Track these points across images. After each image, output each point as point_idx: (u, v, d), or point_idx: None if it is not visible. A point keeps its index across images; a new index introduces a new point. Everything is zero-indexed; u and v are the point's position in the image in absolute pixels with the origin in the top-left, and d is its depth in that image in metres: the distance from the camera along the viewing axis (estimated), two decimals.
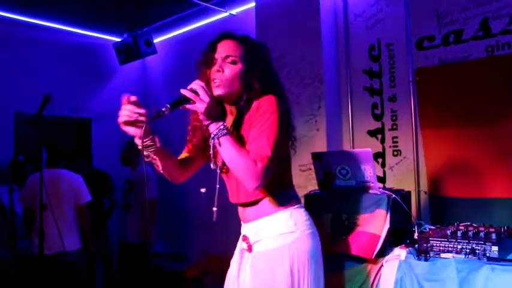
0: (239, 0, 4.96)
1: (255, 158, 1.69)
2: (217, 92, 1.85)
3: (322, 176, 2.79)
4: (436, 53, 3.57)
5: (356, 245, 2.48)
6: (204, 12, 5.27)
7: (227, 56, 1.87)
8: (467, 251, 2.10)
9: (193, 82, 1.77)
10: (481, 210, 3.11)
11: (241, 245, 2.02)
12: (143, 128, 1.76)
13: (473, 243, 2.09)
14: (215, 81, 1.86)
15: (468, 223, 2.45)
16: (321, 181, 2.82)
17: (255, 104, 1.83)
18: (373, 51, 3.97)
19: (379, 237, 2.38)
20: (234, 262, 2.05)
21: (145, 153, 1.87)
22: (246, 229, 2.00)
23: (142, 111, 1.79)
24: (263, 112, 1.77)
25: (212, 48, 1.92)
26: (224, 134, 1.73)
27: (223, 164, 1.93)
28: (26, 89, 5.08)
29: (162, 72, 6.28)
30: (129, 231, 4.70)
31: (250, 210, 1.96)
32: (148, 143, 1.85)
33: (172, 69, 6.06)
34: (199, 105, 1.71)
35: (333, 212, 2.62)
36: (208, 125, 1.76)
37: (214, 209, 1.94)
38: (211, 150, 1.85)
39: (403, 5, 3.73)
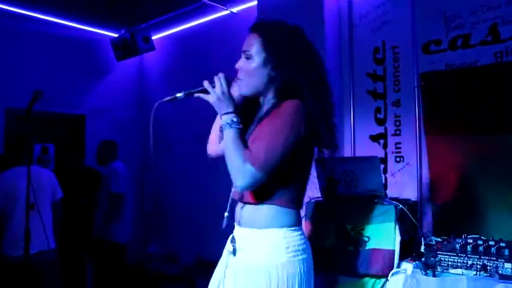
0: None
1: (249, 158, 1.65)
2: (238, 91, 1.85)
3: (326, 183, 2.70)
4: (443, 57, 3.47)
5: (373, 264, 2.37)
6: (204, 10, 5.17)
7: (244, 51, 1.83)
8: (478, 267, 2.00)
9: (218, 74, 1.78)
10: (487, 221, 3.02)
11: (227, 246, 1.93)
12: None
13: (484, 259, 2.00)
14: (237, 79, 1.86)
15: (476, 236, 2.35)
16: (324, 188, 2.72)
17: (279, 104, 1.75)
18: (378, 54, 3.87)
19: (393, 251, 2.29)
20: (220, 264, 1.96)
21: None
22: (237, 231, 1.90)
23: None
24: (278, 116, 1.70)
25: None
26: (229, 127, 1.72)
27: None
28: (18, 85, 4.93)
29: (160, 70, 6.18)
30: (95, 227, 4.87)
31: (246, 213, 1.85)
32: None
33: (170, 67, 5.97)
34: (210, 97, 1.75)
35: (336, 221, 2.53)
36: (220, 116, 1.76)
37: (226, 214, 1.91)
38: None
39: (409, 7, 3.63)
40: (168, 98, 1.78)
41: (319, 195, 2.85)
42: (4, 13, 5.09)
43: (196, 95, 1.78)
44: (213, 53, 5.12)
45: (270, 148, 1.65)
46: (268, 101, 1.85)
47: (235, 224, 1.95)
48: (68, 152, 5.54)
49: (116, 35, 5.66)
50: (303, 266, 1.76)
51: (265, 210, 1.78)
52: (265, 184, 1.71)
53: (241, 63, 1.83)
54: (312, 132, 1.75)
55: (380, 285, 2.31)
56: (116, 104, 6.12)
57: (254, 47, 1.81)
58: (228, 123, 1.72)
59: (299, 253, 1.76)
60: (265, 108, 1.85)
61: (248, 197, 1.82)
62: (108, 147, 5.05)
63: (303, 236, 1.83)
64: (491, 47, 3.25)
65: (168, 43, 5.97)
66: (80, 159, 5.58)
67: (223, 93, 1.74)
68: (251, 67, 1.80)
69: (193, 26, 5.62)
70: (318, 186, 2.85)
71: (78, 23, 5.74)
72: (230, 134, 1.72)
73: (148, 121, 1.82)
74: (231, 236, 1.92)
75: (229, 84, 1.79)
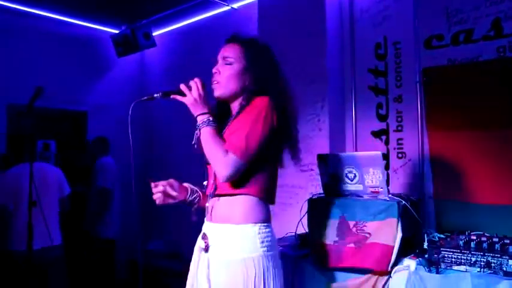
0: None
1: (229, 148, 1.79)
2: (214, 93, 1.99)
3: (328, 180, 2.68)
4: (445, 52, 3.45)
5: (370, 258, 2.36)
6: (205, 6, 5.15)
7: (224, 57, 1.99)
8: (482, 264, 1.99)
9: (194, 79, 1.90)
10: (490, 217, 3.00)
11: (198, 243, 1.99)
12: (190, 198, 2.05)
13: (488, 255, 1.99)
14: (214, 82, 1.99)
15: (480, 232, 2.33)
16: (326, 185, 2.71)
17: (250, 103, 1.91)
18: (379, 50, 3.85)
19: (392, 247, 2.27)
20: (193, 262, 2.03)
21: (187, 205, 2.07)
22: (208, 228, 1.97)
23: (174, 193, 1.99)
24: (250, 109, 1.87)
25: (220, 50, 2.04)
26: (206, 125, 1.85)
27: None
28: (19, 81, 4.94)
29: (161, 66, 6.16)
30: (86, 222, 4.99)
31: (221, 208, 1.94)
32: (193, 199, 2.07)
33: (171, 63, 5.95)
34: (187, 99, 1.86)
35: (339, 218, 2.51)
36: (195, 117, 1.89)
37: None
38: (194, 140, 1.93)
39: (411, 2, 3.60)
40: (146, 97, 1.91)
41: (321, 191, 2.85)
42: (5, 10, 5.08)
43: (173, 96, 1.90)
44: (213, 49, 5.09)
45: (249, 136, 1.80)
46: (239, 103, 1.98)
47: (205, 220, 2.02)
48: (70, 149, 5.54)
49: (117, 31, 5.66)
50: (274, 260, 1.89)
51: (241, 202, 1.90)
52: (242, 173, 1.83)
53: (220, 68, 1.97)
54: (280, 126, 1.90)
55: (383, 282, 2.31)
56: (117, 100, 6.11)
57: (235, 55, 1.98)
58: (204, 122, 1.86)
59: (271, 248, 1.88)
60: (237, 108, 1.98)
61: (223, 188, 1.91)
62: (98, 143, 5.08)
63: (272, 233, 1.95)
64: (493, 42, 3.22)
65: (169, 39, 5.96)
66: (81, 155, 5.59)
67: (199, 95, 1.86)
68: (231, 72, 1.96)
69: (194, 22, 5.61)
70: (320, 183, 2.84)
71: (79, 20, 5.74)
72: (208, 130, 1.84)
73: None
74: (202, 233, 1.98)
75: (204, 87, 1.90)
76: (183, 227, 5.57)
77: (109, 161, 4.95)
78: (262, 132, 1.82)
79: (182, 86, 1.88)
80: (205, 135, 1.84)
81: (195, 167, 2.11)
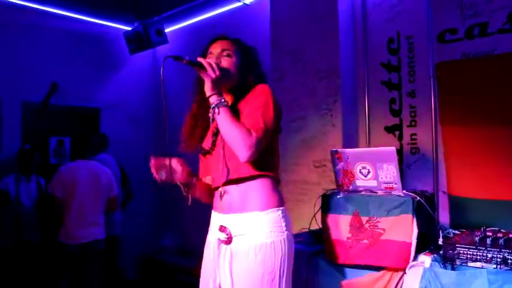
0: None
1: (251, 128, 1.84)
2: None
3: (342, 175, 2.67)
4: (459, 46, 3.41)
5: (386, 255, 2.35)
6: (218, 2, 5.15)
7: (223, 50, 2.05)
8: (499, 260, 1.97)
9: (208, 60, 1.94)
10: (506, 213, 2.97)
11: (216, 235, 2.00)
12: (186, 174, 2.00)
13: (505, 252, 1.97)
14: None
15: (496, 228, 2.32)
16: (340, 180, 2.70)
17: (251, 91, 2.02)
18: (392, 44, 3.82)
19: (410, 244, 2.26)
20: (208, 256, 2.05)
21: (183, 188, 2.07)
22: (226, 219, 1.98)
23: (179, 168, 1.99)
24: (258, 94, 1.96)
25: (208, 46, 2.12)
26: (225, 105, 1.88)
27: (213, 143, 2.05)
28: (33, 78, 4.98)
29: (173, 62, 6.15)
30: None
31: (237, 198, 1.96)
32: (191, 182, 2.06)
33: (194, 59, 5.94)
34: (211, 74, 1.88)
35: (352, 214, 2.50)
36: (210, 95, 1.90)
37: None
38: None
39: None
40: (176, 55, 1.89)
41: (334, 187, 2.84)
42: (19, 8, 5.12)
43: (197, 68, 1.91)
44: None
45: (266, 116, 1.88)
46: (239, 90, 2.07)
47: (216, 212, 2.05)
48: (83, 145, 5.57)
49: (129, 28, 5.66)
50: (292, 240, 1.99)
51: (259, 187, 1.96)
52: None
53: (222, 59, 2.03)
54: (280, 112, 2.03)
55: (397, 278, 2.29)
56: (130, 97, 6.14)
57: (233, 49, 2.07)
58: (222, 102, 1.88)
59: (290, 230, 1.99)
60: (239, 94, 2.06)
61: (238, 172, 1.94)
62: (96, 140, 5.09)
63: (288, 214, 2.03)
64: (509, 35, 3.18)
65: (181, 36, 5.95)
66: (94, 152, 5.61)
67: (218, 76, 1.89)
68: (232, 63, 2.04)
69: (206, 18, 5.60)
70: (333, 179, 2.83)
71: (92, 17, 5.76)
72: (226, 110, 1.87)
73: (156, 115, 1.88)
74: (217, 226, 1.99)
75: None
76: (196, 223, 5.61)
77: (105, 158, 4.95)
78: (274, 113, 1.92)
79: (203, 60, 1.91)
80: (225, 116, 1.86)
81: None
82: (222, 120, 1.87)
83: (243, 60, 2.08)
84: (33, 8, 5.21)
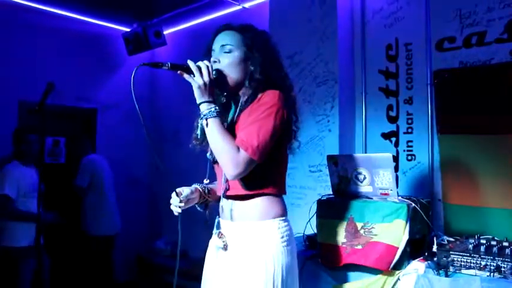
0: None
1: (241, 145, 1.68)
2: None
3: (337, 181, 2.67)
4: (457, 55, 3.42)
5: (372, 256, 2.35)
6: (217, 5, 5.14)
7: (223, 46, 1.87)
8: (492, 268, 1.97)
9: (203, 61, 1.80)
10: (500, 222, 2.97)
11: (215, 242, 1.94)
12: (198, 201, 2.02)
13: (498, 260, 1.97)
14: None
15: (490, 236, 2.32)
16: (336, 186, 2.70)
17: (259, 96, 1.81)
18: (390, 51, 3.83)
19: (396, 248, 2.26)
20: (208, 261, 2.02)
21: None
22: (225, 226, 1.92)
23: (193, 196, 1.99)
24: (262, 104, 1.76)
25: (211, 40, 1.94)
26: (213, 116, 1.73)
27: None
28: (31, 78, 4.97)
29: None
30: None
31: (237, 208, 1.88)
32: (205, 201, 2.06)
33: (181, 62, 5.94)
34: (197, 80, 1.73)
35: (347, 219, 2.50)
36: (200, 104, 1.76)
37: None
38: (198, 131, 1.86)
39: (423, 4, 3.58)
40: (153, 62, 1.78)
41: (330, 192, 2.84)
42: (17, 7, 5.11)
43: (180, 72, 1.78)
44: None
45: (261, 133, 1.70)
46: (244, 94, 1.88)
47: (219, 219, 1.97)
48: (79, 146, 5.55)
49: (128, 30, 5.67)
50: (293, 254, 1.86)
51: (258, 202, 1.84)
52: (255, 172, 1.75)
53: (219, 57, 1.86)
54: (289, 120, 1.86)
55: (391, 284, 2.29)
56: (127, 98, 6.10)
57: (233, 41, 1.86)
58: (211, 112, 1.73)
59: (289, 242, 1.85)
60: (243, 100, 1.88)
61: (237, 189, 1.84)
62: (82, 141, 5.10)
63: (289, 226, 1.92)
64: (506, 45, 3.18)
65: (180, 38, 5.96)
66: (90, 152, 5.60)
67: (209, 81, 1.75)
68: (232, 60, 1.85)
69: (205, 21, 5.60)
70: (329, 184, 2.84)
71: (91, 17, 5.76)
72: (216, 123, 1.73)
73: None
74: (217, 232, 1.94)
75: (212, 73, 1.80)
76: (189, 226, 5.60)
77: (93, 158, 4.96)
78: (275, 129, 1.73)
79: (191, 64, 1.76)
80: (213, 128, 1.72)
81: (204, 164, 2.08)
82: (210, 133, 1.73)
83: (247, 52, 1.86)
84: (31, 7, 5.20)
